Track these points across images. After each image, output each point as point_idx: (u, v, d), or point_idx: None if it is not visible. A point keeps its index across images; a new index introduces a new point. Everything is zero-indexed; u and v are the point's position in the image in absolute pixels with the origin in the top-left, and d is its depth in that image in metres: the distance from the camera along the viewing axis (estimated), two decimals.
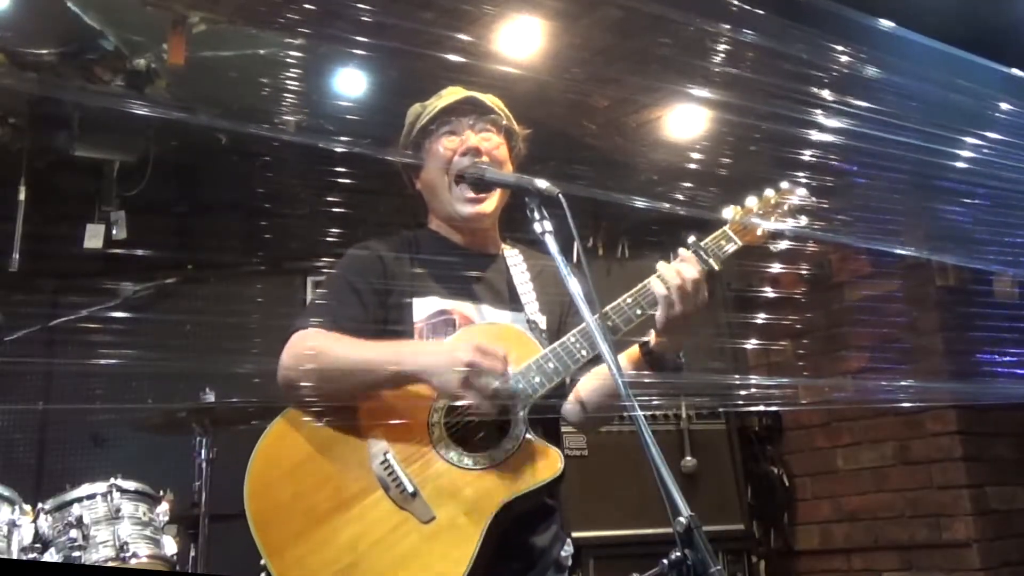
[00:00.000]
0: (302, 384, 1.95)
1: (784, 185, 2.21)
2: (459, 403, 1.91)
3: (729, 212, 2.16)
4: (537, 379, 1.96)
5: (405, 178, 2.32)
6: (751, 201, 2.17)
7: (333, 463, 1.92)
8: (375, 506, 1.88)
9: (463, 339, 2.01)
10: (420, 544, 1.84)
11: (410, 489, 1.89)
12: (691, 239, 2.09)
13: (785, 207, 2.18)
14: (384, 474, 1.90)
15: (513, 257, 2.28)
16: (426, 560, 1.83)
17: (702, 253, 2.06)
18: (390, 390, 1.97)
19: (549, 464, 1.94)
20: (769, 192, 2.19)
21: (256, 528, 1.86)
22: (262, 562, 1.86)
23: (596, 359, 2.01)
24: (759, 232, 2.14)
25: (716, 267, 2.06)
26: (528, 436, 1.95)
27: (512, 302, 2.19)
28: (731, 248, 2.11)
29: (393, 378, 1.94)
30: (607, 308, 1.99)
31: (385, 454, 1.93)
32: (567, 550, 2.06)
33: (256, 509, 1.88)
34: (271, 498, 1.89)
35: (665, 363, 2.06)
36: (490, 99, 2.26)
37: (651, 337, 2.06)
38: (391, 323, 2.08)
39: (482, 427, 1.96)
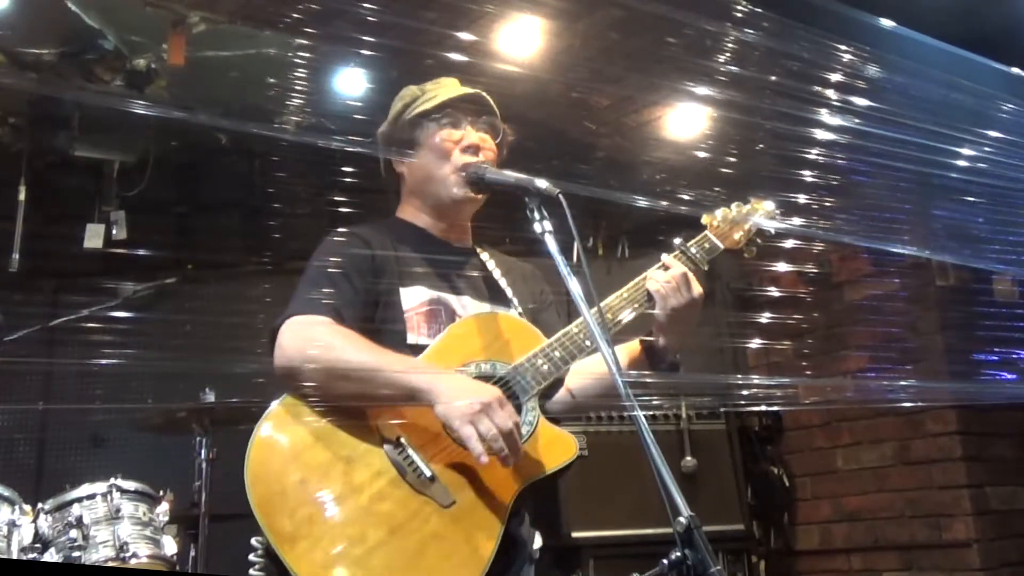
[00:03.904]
0: (306, 377, 1.89)
1: (752, 199, 2.32)
2: (454, 436, 1.87)
3: (704, 220, 2.27)
4: (545, 367, 1.98)
5: (382, 161, 2.30)
6: (719, 213, 2.27)
7: (341, 447, 1.87)
8: (392, 491, 1.84)
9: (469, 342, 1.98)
10: (443, 528, 1.83)
11: (427, 473, 1.86)
12: (676, 241, 2.19)
13: (750, 221, 2.29)
14: (399, 459, 1.87)
15: (484, 254, 2.29)
16: (451, 544, 1.81)
17: (689, 254, 2.16)
18: (396, 403, 1.92)
19: (565, 449, 1.97)
20: (737, 204, 2.29)
21: (262, 516, 1.78)
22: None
23: (596, 350, 2.03)
24: (736, 237, 2.26)
25: (703, 267, 2.16)
26: (542, 421, 1.97)
27: (493, 297, 2.20)
28: (715, 249, 2.22)
29: (401, 393, 1.89)
30: (601, 304, 2.00)
31: (398, 439, 1.89)
32: (537, 543, 2.08)
33: (260, 496, 1.80)
34: (275, 484, 1.82)
35: (663, 359, 2.12)
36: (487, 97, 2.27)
37: (653, 333, 2.12)
38: (380, 309, 2.06)
39: None
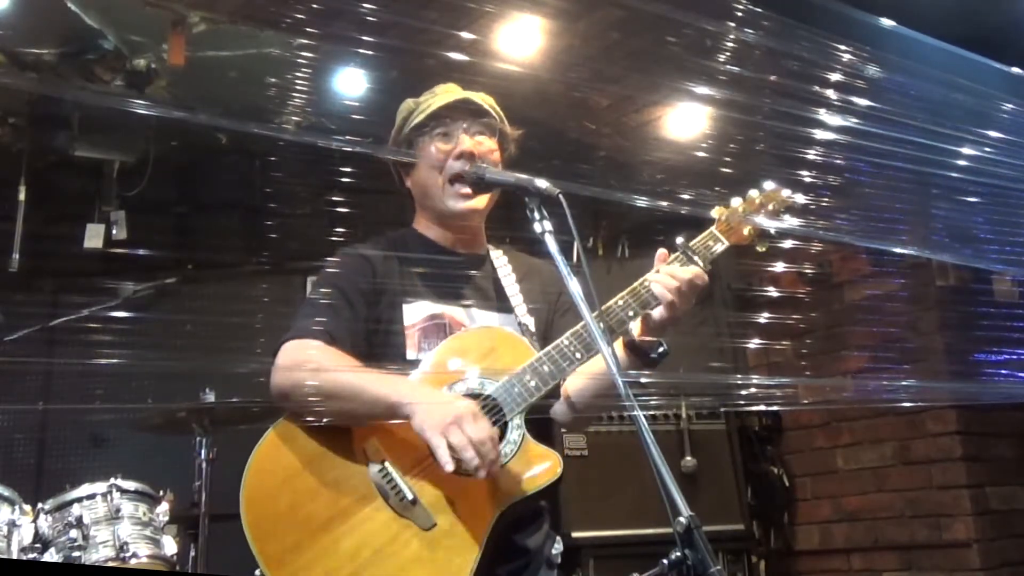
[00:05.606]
0: (297, 396, 1.94)
1: (768, 185, 2.22)
2: (432, 448, 1.88)
3: (715, 213, 2.18)
4: (532, 383, 1.96)
5: (395, 176, 2.32)
6: (735, 201, 2.19)
7: (329, 472, 1.91)
8: (375, 514, 1.87)
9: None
10: (422, 551, 1.84)
11: (409, 497, 1.88)
12: (679, 240, 2.12)
13: (769, 207, 2.20)
14: (383, 482, 1.90)
15: (499, 258, 2.28)
16: (429, 567, 1.83)
17: (690, 254, 2.09)
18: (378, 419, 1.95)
19: (549, 468, 1.95)
20: (753, 192, 2.20)
21: (253, 539, 1.84)
22: (256, 572, 1.85)
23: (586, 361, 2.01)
24: (745, 232, 2.17)
25: (704, 267, 2.08)
26: (526, 440, 1.95)
27: (500, 303, 2.19)
28: (719, 248, 2.13)
29: (381, 409, 1.92)
30: (602, 307, 1.99)
31: (383, 463, 1.92)
32: (557, 548, 2.07)
33: (253, 520, 1.86)
34: (267, 508, 1.87)
35: (650, 352, 2.08)
36: (482, 98, 2.25)
37: (635, 332, 2.07)
38: (382, 329, 2.08)
39: None
